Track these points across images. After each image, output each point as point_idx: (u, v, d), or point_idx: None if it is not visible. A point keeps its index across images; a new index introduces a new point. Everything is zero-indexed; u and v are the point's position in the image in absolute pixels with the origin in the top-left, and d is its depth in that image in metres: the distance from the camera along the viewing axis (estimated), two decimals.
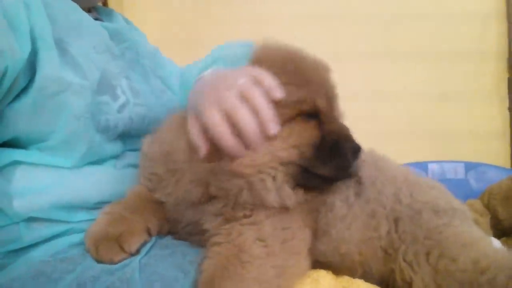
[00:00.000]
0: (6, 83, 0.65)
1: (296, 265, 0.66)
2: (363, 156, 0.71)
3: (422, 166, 2.21)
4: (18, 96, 0.69)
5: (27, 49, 0.67)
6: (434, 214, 0.75)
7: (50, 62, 0.70)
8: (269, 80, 0.62)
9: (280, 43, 0.73)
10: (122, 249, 0.66)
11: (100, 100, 0.77)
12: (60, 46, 0.73)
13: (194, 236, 0.72)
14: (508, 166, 2.21)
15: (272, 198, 0.64)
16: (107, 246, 0.66)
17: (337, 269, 0.72)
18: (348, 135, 0.68)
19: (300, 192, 0.67)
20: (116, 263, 0.65)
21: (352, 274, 0.72)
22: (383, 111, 2.28)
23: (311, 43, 2.59)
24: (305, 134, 0.67)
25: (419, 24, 2.28)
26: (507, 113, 2.26)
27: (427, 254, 0.70)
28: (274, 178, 0.64)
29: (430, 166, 2.21)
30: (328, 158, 0.66)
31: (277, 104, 0.62)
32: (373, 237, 0.73)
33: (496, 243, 1.44)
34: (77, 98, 0.73)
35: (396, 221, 0.74)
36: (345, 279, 0.72)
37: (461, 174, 2.16)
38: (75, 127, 0.73)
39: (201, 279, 0.61)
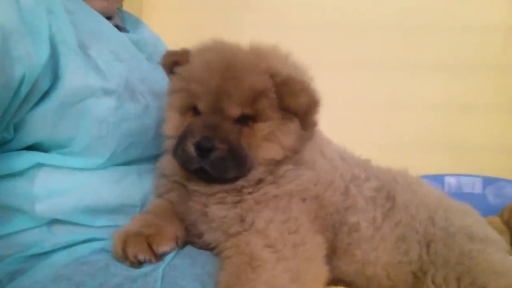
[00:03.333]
0: (24, 89, 0.65)
1: (310, 271, 0.65)
2: (392, 175, 0.72)
3: (438, 179, 2.17)
4: (40, 102, 0.69)
5: (45, 54, 0.67)
6: (468, 239, 0.73)
7: (75, 69, 0.70)
8: None
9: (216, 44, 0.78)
10: (150, 248, 0.66)
11: (125, 105, 0.78)
12: (84, 50, 0.74)
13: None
14: None
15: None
16: (136, 243, 0.66)
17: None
18: (196, 132, 0.69)
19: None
20: (138, 262, 0.65)
21: None
22: (400, 122, 2.26)
23: (328, 52, 2.59)
24: (180, 126, 0.75)
25: (439, 35, 2.26)
26: None
27: (458, 279, 0.69)
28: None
29: (447, 179, 2.17)
30: (176, 149, 0.72)
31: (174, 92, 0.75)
32: (403, 261, 0.72)
33: None
34: (100, 103, 0.73)
35: (429, 243, 0.73)
36: None
37: (478, 188, 2.12)
38: (98, 132, 0.73)
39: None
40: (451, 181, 2.16)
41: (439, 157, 2.23)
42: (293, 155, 0.73)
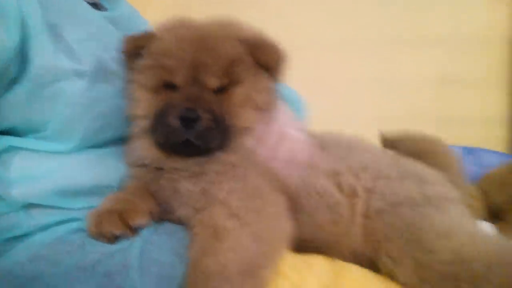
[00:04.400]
0: None
1: (273, 229, 0.67)
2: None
3: None
4: (11, 87, 0.69)
5: (17, 37, 0.67)
6: (409, 208, 0.74)
7: (43, 50, 0.70)
8: None
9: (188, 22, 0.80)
10: (124, 223, 0.68)
11: (97, 86, 0.77)
12: (54, 31, 0.73)
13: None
14: (506, 151, 2.22)
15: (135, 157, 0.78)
16: (109, 219, 0.68)
17: (325, 250, 0.74)
18: (178, 105, 0.70)
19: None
20: (114, 237, 0.66)
21: (343, 258, 0.74)
22: (385, 97, 2.28)
23: (318, 30, 2.58)
24: (154, 104, 0.75)
25: (422, 9, 2.26)
26: (507, 98, 2.26)
27: (407, 247, 0.69)
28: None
29: None
30: (156, 125, 0.73)
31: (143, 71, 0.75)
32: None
33: (489, 227, 1.46)
34: (72, 85, 0.73)
35: (378, 213, 0.75)
36: (338, 264, 0.73)
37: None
38: (70, 114, 0.73)
39: (188, 263, 0.63)
40: None
41: (424, 129, 2.27)
42: (265, 114, 0.78)
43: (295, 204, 0.74)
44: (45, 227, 0.71)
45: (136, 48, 0.79)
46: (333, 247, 0.74)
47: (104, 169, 0.79)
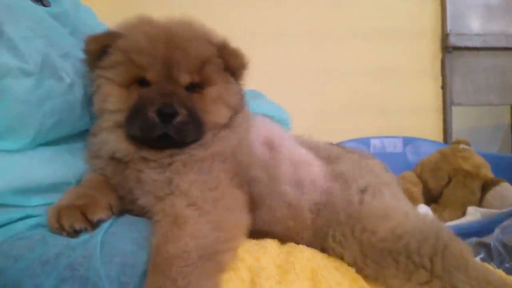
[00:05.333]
0: None
1: (231, 219, 0.72)
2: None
3: (364, 141, 2.36)
4: None
5: None
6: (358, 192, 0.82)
7: None
8: None
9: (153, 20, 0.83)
10: (84, 217, 0.70)
11: (45, 83, 0.77)
12: None
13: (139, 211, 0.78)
14: (440, 140, 2.41)
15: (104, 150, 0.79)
16: (70, 214, 0.70)
17: (281, 238, 0.80)
18: (155, 100, 0.74)
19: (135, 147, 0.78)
20: (75, 232, 0.69)
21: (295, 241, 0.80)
22: (327, 89, 2.39)
23: (260, 21, 2.61)
24: (127, 99, 0.78)
25: (358, 3, 2.38)
26: (440, 91, 2.45)
27: (351, 231, 0.77)
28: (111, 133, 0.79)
29: (372, 141, 2.37)
30: (132, 120, 0.76)
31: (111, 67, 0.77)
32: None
33: (425, 209, 1.61)
34: (19, 83, 0.73)
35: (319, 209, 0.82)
36: (290, 245, 0.80)
37: (399, 148, 2.34)
38: (20, 112, 0.73)
39: (150, 251, 0.67)
40: (375, 142, 2.36)
41: (365, 120, 2.42)
42: (235, 114, 0.83)
43: (257, 199, 0.80)
44: (2, 225, 0.71)
45: (102, 47, 0.80)
46: (289, 238, 0.81)
47: (61, 166, 0.80)
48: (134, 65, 0.77)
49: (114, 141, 0.79)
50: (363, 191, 0.83)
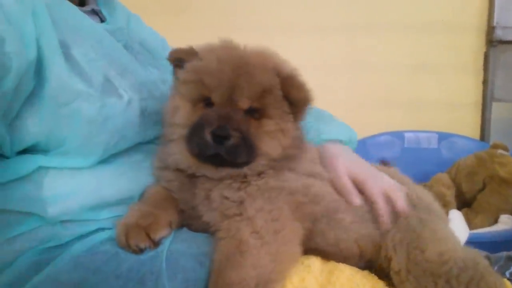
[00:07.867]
0: (8, 82, 0.67)
1: (288, 252, 0.79)
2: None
3: (398, 135, 2.36)
4: (32, 102, 0.74)
5: (33, 53, 0.71)
6: (426, 211, 0.92)
7: (58, 71, 0.74)
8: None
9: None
10: (148, 237, 0.79)
11: (107, 103, 0.82)
12: (64, 50, 0.76)
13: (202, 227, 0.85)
14: (477, 137, 2.38)
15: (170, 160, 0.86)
16: (136, 233, 0.79)
17: (334, 258, 0.88)
18: (212, 121, 0.79)
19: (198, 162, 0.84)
20: (140, 250, 0.77)
21: (350, 262, 0.88)
22: (361, 82, 2.38)
23: (291, 14, 2.62)
24: (192, 116, 0.84)
25: None
26: (480, 85, 2.39)
27: (408, 243, 0.85)
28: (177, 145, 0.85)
29: (406, 135, 2.36)
30: (191, 137, 0.82)
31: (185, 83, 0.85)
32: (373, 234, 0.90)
33: (457, 214, 1.63)
34: (87, 105, 0.78)
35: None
36: (331, 264, 0.87)
37: (434, 144, 2.33)
38: (88, 132, 0.79)
39: (212, 269, 0.75)
40: (410, 136, 2.36)
41: (399, 114, 2.41)
42: (287, 157, 0.86)
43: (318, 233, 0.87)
44: (80, 237, 0.80)
45: (176, 60, 0.88)
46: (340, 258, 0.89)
47: (126, 182, 0.87)
48: (203, 85, 0.83)
49: (179, 152, 0.86)
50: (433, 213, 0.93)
